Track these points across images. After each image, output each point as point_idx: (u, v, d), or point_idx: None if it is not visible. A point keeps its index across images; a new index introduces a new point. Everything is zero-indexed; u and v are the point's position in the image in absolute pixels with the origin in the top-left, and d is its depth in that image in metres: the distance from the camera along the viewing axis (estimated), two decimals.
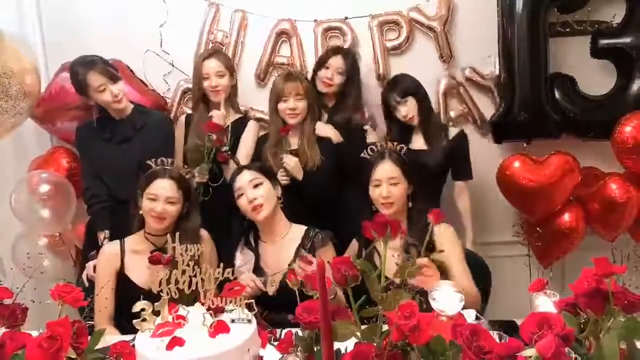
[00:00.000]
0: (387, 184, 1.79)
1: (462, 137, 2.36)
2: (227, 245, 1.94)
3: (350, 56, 2.38)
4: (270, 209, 1.82)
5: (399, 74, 2.38)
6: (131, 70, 2.58)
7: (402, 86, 2.27)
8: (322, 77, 2.35)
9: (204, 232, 1.90)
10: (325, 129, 2.29)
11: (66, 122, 2.52)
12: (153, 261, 1.61)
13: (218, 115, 2.23)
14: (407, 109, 2.25)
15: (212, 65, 2.26)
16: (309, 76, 2.45)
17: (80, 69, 2.14)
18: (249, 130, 2.31)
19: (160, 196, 1.78)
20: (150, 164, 1.84)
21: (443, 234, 1.78)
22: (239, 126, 2.31)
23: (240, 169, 1.92)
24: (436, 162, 2.24)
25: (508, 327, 1.47)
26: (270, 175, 1.91)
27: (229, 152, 2.21)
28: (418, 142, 2.30)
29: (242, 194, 1.83)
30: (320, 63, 2.38)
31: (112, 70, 2.17)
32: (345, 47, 2.50)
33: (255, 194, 1.81)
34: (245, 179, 1.84)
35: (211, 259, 1.81)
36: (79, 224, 2.54)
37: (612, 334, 0.90)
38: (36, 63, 2.47)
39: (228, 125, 2.29)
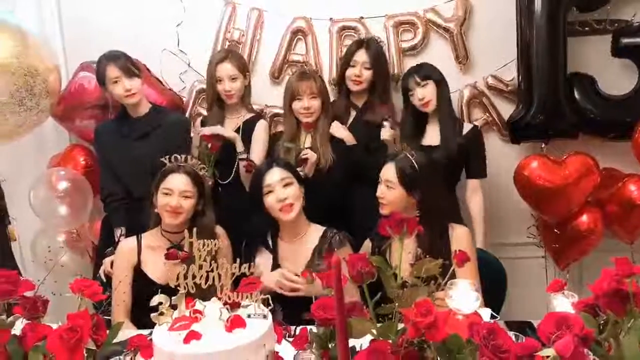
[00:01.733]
0: (383, 184, 1.79)
1: (476, 133, 2.34)
2: (238, 242, 1.95)
3: (373, 47, 2.36)
4: (298, 210, 1.82)
5: (422, 62, 2.38)
6: (148, 69, 2.61)
7: (423, 70, 2.28)
8: (350, 75, 2.34)
9: (219, 229, 1.91)
10: (339, 130, 2.30)
11: (84, 121, 2.56)
12: (169, 257, 1.63)
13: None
14: (425, 92, 2.24)
15: (226, 69, 2.28)
16: (327, 76, 2.47)
17: (104, 60, 2.23)
18: (259, 131, 2.32)
19: (175, 190, 1.80)
20: (164, 161, 1.87)
21: (459, 237, 1.77)
22: (251, 125, 2.33)
23: (269, 164, 1.89)
24: (450, 158, 2.22)
25: (524, 328, 1.46)
26: (297, 174, 1.90)
27: (250, 159, 2.23)
28: (431, 136, 2.28)
29: (270, 192, 1.81)
30: (346, 61, 2.37)
31: (131, 67, 2.22)
32: (366, 38, 2.46)
33: (286, 193, 1.80)
34: (276, 177, 1.81)
35: (227, 255, 1.82)
36: (95, 221, 2.57)
37: (633, 335, 0.89)
38: (57, 62, 2.51)
39: (239, 126, 2.32)
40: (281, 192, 1.80)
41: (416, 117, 2.32)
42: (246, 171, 2.21)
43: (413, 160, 1.77)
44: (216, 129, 2.26)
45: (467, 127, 2.33)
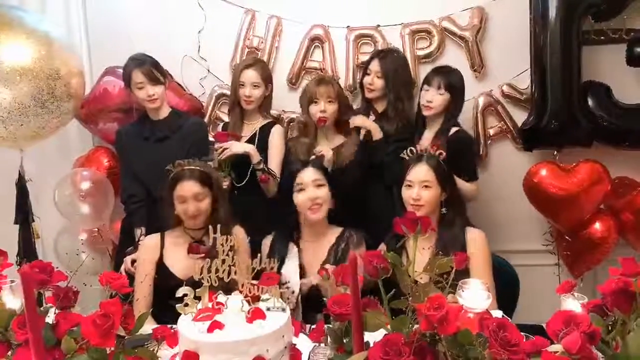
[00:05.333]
0: (418, 186, 1.80)
1: (460, 135, 2.30)
2: (252, 242, 1.99)
3: (388, 57, 2.40)
4: (325, 212, 1.87)
5: (455, 68, 2.38)
6: (170, 75, 2.69)
7: (452, 78, 2.29)
8: (365, 83, 2.41)
9: (238, 229, 1.96)
10: (365, 121, 2.33)
11: (108, 123, 2.65)
12: (191, 252, 1.70)
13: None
14: (436, 98, 2.26)
15: (250, 75, 2.35)
16: (343, 83, 2.53)
17: (131, 64, 2.31)
18: (275, 136, 2.36)
19: (188, 196, 1.87)
20: (170, 169, 1.92)
21: (475, 240, 1.81)
22: (267, 130, 2.38)
23: (304, 164, 1.95)
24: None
25: (535, 331, 1.48)
26: (328, 178, 1.93)
27: (266, 170, 2.27)
28: (425, 142, 2.28)
29: (302, 190, 1.86)
30: (364, 70, 2.44)
31: (156, 74, 2.30)
32: (385, 49, 2.51)
33: (317, 193, 1.85)
34: (309, 176, 1.88)
35: (245, 253, 1.86)
36: (115, 220, 2.65)
37: (638, 332, 0.92)
38: (82, 67, 2.59)
39: (256, 131, 2.37)
40: (312, 192, 1.85)
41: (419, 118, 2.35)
42: (261, 182, 2.26)
43: (439, 159, 1.84)
44: (230, 145, 2.29)
45: (452, 130, 2.31)
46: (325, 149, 2.20)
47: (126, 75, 2.31)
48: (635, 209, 2.40)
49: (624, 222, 2.45)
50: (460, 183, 2.19)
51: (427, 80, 2.32)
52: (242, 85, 2.36)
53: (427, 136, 2.33)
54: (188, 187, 1.87)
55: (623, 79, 2.50)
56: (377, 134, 2.32)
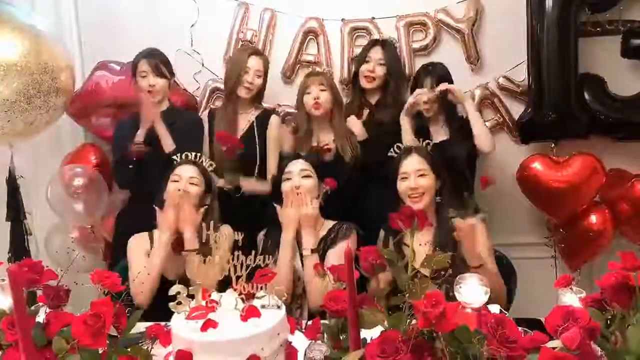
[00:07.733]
0: (414, 175, 1.81)
1: (463, 123, 2.30)
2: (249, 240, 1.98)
3: (388, 46, 2.40)
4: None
5: (436, 62, 2.39)
6: None
7: (438, 73, 2.29)
8: (364, 71, 2.37)
9: (227, 228, 1.94)
10: (355, 124, 2.32)
11: (100, 118, 2.61)
12: (177, 248, 1.68)
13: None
14: (432, 97, 2.24)
15: (255, 63, 2.33)
16: (338, 76, 2.52)
17: (140, 54, 2.35)
18: (273, 128, 2.36)
19: (183, 176, 1.90)
20: (175, 159, 1.98)
21: (473, 226, 1.79)
22: (263, 120, 2.37)
23: (296, 156, 2.00)
24: (462, 150, 2.22)
25: (533, 325, 1.47)
26: (318, 173, 1.95)
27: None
28: (438, 135, 2.29)
29: (289, 179, 1.89)
30: (361, 58, 2.41)
31: (162, 68, 2.32)
32: (382, 38, 2.50)
33: (301, 182, 1.88)
34: (297, 167, 1.91)
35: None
36: (108, 217, 2.62)
37: (637, 326, 0.91)
38: (71, 61, 2.53)
39: (252, 122, 2.36)
40: (297, 181, 1.88)
41: (421, 120, 2.32)
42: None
43: (427, 149, 1.88)
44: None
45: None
46: (331, 141, 2.19)
47: (133, 65, 2.34)
48: (631, 200, 2.40)
49: (620, 214, 2.45)
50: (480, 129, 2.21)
51: (419, 82, 2.30)
52: (247, 71, 2.32)
53: (438, 135, 2.29)
54: (185, 170, 1.91)
55: (618, 71, 2.49)
56: (363, 135, 2.29)
